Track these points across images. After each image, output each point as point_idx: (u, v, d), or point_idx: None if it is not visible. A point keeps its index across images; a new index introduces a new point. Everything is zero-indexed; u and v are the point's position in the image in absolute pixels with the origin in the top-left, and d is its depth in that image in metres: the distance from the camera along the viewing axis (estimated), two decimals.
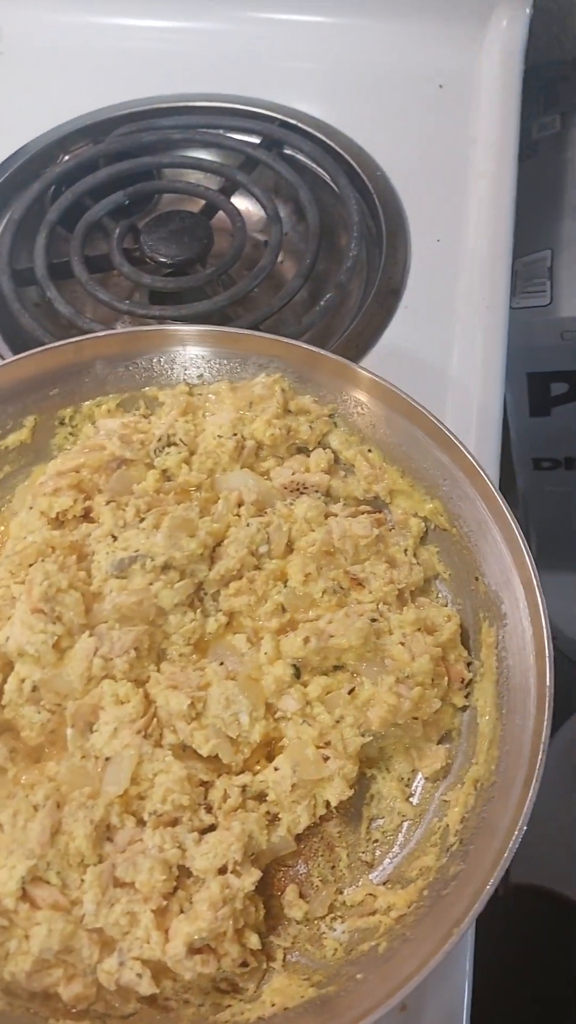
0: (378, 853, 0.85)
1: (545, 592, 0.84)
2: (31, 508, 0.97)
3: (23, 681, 0.87)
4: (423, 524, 0.97)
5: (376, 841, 0.86)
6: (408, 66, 1.51)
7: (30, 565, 0.90)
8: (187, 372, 1.05)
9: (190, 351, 1.04)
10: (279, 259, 1.30)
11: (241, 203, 1.36)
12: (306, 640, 0.87)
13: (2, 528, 1.02)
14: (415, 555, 0.97)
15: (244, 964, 0.77)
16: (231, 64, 1.51)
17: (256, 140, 1.41)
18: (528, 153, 1.57)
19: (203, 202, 1.35)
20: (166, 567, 0.90)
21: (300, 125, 1.42)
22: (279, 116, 1.43)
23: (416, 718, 0.87)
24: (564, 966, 1.44)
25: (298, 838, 0.84)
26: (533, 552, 0.86)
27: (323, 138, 1.40)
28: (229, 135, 1.41)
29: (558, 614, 1.92)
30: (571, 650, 1.95)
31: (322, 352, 0.99)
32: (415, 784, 0.88)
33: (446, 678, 0.88)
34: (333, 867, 0.84)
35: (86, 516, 0.98)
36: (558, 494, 1.76)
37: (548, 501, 1.77)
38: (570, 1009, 1.39)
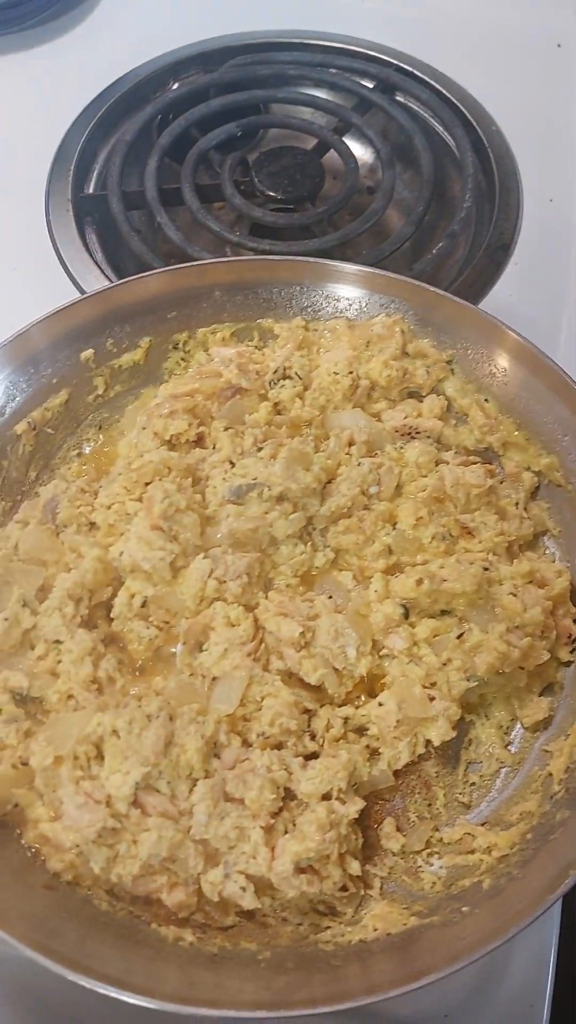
0: (475, 796, 0.85)
1: None
2: (144, 429, 0.96)
3: (133, 596, 0.88)
4: (535, 479, 0.97)
5: (473, 784, 0.86)
6: (527, 23, 1.48)
7: (147, 484, 0.90)
8: (305, 307, 1.04)
9: (311, 286, 1.03)
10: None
11: (352, 146, 1.33)
12: (419, 582, 0.87)
13: (110, 447, 1.01)
14: (526, 509, 0.96)
15: (344, 888, 0.77)
16: (349, 4, 1.48)
17: (371, 84, 1.39)
18: None
19: (315, 140, 1.33)
20: (281, 498, 0.90)
21: (417, 73, 1.39)
22: (395, 62, 1.40)
23: (522, 668, 0.87)
24: None
25: (396, 774, 0.85)
26: None
27: (439, 88, 1.38)
28: (344, 76, 1.38)
29: None
30: None
31: (450, 296, 0.98)
32: (514, 733, 0.88)
33: (555, 632, 0.88)
34: (430, 805, 0.85)
35: (198, 441, 0.98)
36: None
37: None
38: None
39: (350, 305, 1.03)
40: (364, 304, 1.03)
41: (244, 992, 0.69)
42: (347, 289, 1.03)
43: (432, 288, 0.98)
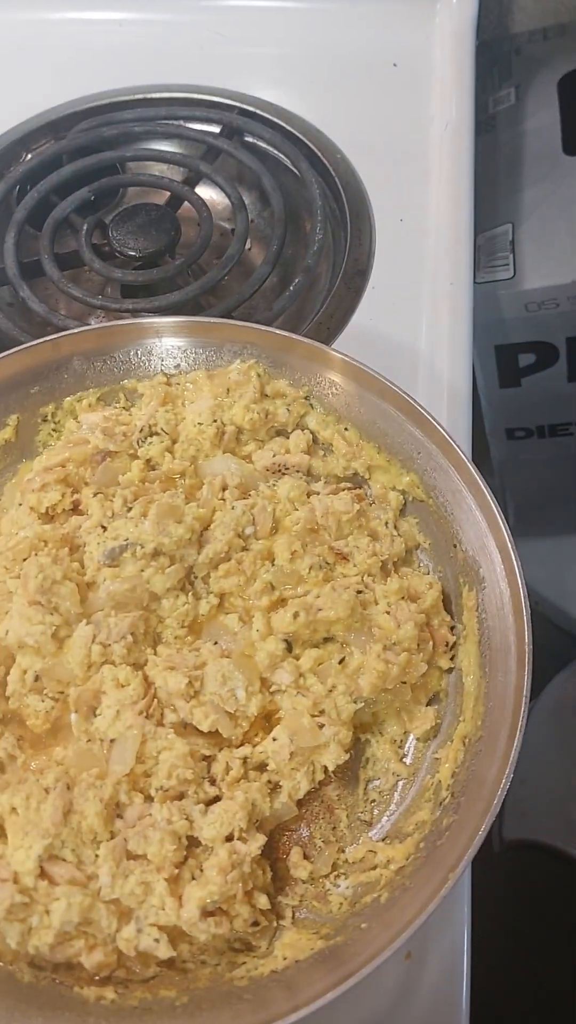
0: (376, 812, 0.89)
1: (527, 559, 0.88)
2: (20, 505, 0.99)
3: (25, 672, 0.90)
4: (401, 497, 1.01)
5: (373, 801, 0.90)
6: (361, 46, 1.53)
7: (24, 559, 0.93)
8: (164, 363, 1.07)
9: (166, 342, 1.06)
10: (247, 246, 1.32)
11: (205, 193, 1.38)
12: (296, 615, 0.91)
13: None
14: (396, 527, 1.00)
15: (255, 923, 0.81)
16: (186, 54, 1.52)
17: (216, 129, 1.43)
18: (485, 128, 1.60)
19: (168, 194, 1.37)
20: (156, 553, 0.93)
21: (259, 112, 1.44)
22: (237, 104, 1.44)
23: (405, 682, 0.91)
24: (562, 918, 1.50)
25: (299, 803, 0.88)
26: (511, 520, 0.90)
27: (282, 124, 1.42)
28: (189, 125, 1.43)
29: (540, 580, 1.97)
30: (553, 614, 2.00)
31: (294, 336, 1.02)
32: (407, 745, 0.93)
33: (431, 642, 0.92)
34: (334, 828, 0.89)
35: (75, 509, 1.00)
36: (533, 462, 1.80)
37: (524, 470, 1.82)
38: (570, 960, 1.45)
39: (209, 356, 1.07)
40: (221, 352, 1.06)
41: None
42: (201, 340, 1.07)
43: (277, 331, 1.02)
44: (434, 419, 0.95)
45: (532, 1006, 1.41)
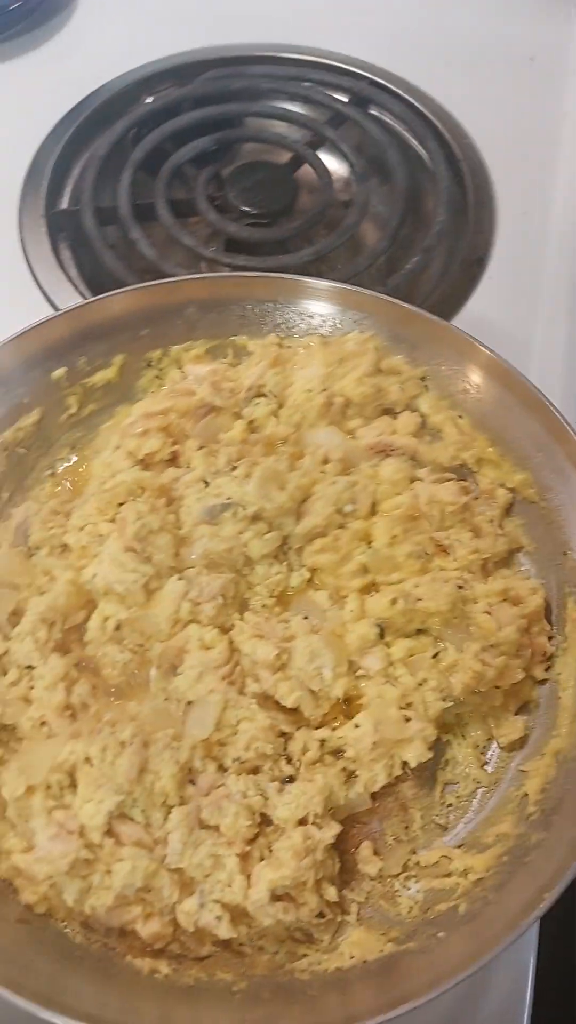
0: (452, 817, 0.85)
1: None
2: (118, 448, 0.96)
3: (107, 620, 0.87)
4: (510, 495, 0.97)
5: (450, 805, 0.86)
6: (501, 37, 1.49)
7: (120, 504, 0.89)
8: (279, 324, 1.03)
9: (285, 302, 1.02)
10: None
11: (325, 160, 1.33)
12: (394, 601, 0.87)
13: (84, 467, 1.00)
14: (500, 526, 0.96)
15: (321, 915, 0.77)
16: (323, 18, 1.48)
17: (345, 97, 1.38)
18: None
19: (289, 155, 1.32)
20: (256, 517, 0.89)
21: (390, 86, 1.39)
22: (370, 75, 1.40)
23: (497, 687, 0.87)
24: None
25: (373, 796, 0.84)
26: None
27: (413, 101, 1.38)
28: (318, 89, 1.38)
29: None
30: None
31: (423, 313, 0.98)
32: (490, 752, 0.88)
33: (529, 650, 0.88)
34: (407, 827, 0.84)
35: (172, 460, 0.97)
36: None
37: None
38: None
39: (324, 322, 1.03)
40: (338, 321, 1.02)
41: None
42: (321, 306, 1.02)
43: (405, 304, 0.98)
44: (564, 418, 0.90)
45: None
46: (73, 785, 0.77)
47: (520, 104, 1.41)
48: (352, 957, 0.74)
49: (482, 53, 1.47)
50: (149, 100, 1.39)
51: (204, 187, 1.26)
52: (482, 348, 0.94)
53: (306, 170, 1.31)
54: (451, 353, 0.98)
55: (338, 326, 1.02)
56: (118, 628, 0.87)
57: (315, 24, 1.47)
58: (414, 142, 1.36)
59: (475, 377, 0.97)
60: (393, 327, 1.01)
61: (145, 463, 0.95)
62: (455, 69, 1.44)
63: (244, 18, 1.47)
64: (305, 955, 0.76)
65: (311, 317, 1.03)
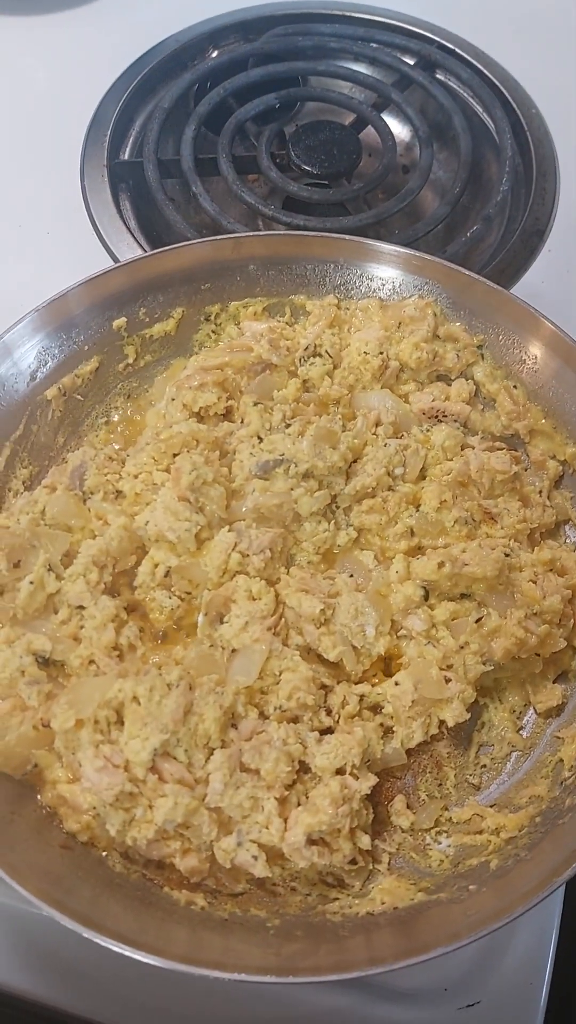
0: (485, 777, 0.87)
1: None
2: (173, 400, 0.97)
3: (157, 566, 0.89)
4: (560, 468, 0.97)
5: (484, 766, 0.87)
6: (572, 7, 1.46)
7: (175, 455, 0.91)
8: (338, 285, 1.03)
9: (346, 263, 1.02)
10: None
11: (389, 122, 1.32)
12: (440, 565, 0.87)
13: (138, 416, 1.02)
14: (548, 497, 0.96)
15: (353, 861, 0.79)
16: None
17: (412, 60, 1.37)
18: None
19: (353, 115, 1.31)
20: (307, 475, 0.91)
21: (458, 51, 1.38)
22: (437, 39, 1.38)
23: (538, 655, 0.88)
24: None
25: (409, 752, 0.86)
26: None
27: (481, 67, 1.36)
28: (385, 51, 1.37)
29: None
30: None
31: (484, 281, 0.98)
32: (526, 718, 0.89)
33: (572, 620, 0.89)
34: (440, 784, 0.86)
35: (226, 415, 0.98)
36: None
37: None
38: None
39: (383, 285, 1.03)
40: (398, 285, 1.02)
41: (251, 957, 0.71)
42: (382, 269, 1.02)
43: (467, 272, 0.98)
44: None
45: None
46: (120, 722, 0.80)
47: None
48: (383, 903, 0.76)
49: (552, 23, 1.45)
50: (215, 54, 1.38)
51: (267, 144, 1.25)
52: (545, 321, 0.94)
53: (369, 132, 1.30)
54: (510, 323, 0.98)
55: (398, 290, 1.02)
56: (167, 575, 0.88)
57: None
58: (480, 109, 1.34)
59: (534, 349, 0.97)
60: (453, 294, 1.01)
61: (200, 416, 0.97)
62: (524, 38, 1.42)
63: None
64: (336, 899, 0.78)
65: (371, 280, 1.03)
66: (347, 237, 1.01)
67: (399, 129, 1.35)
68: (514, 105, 1.33)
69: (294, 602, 0.87)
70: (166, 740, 0.78)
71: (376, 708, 0.86)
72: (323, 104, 1.36)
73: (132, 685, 0.79)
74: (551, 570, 0.90)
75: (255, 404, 0.95)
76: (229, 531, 0.88)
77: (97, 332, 0.99)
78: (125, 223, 1.19)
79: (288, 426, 0.93)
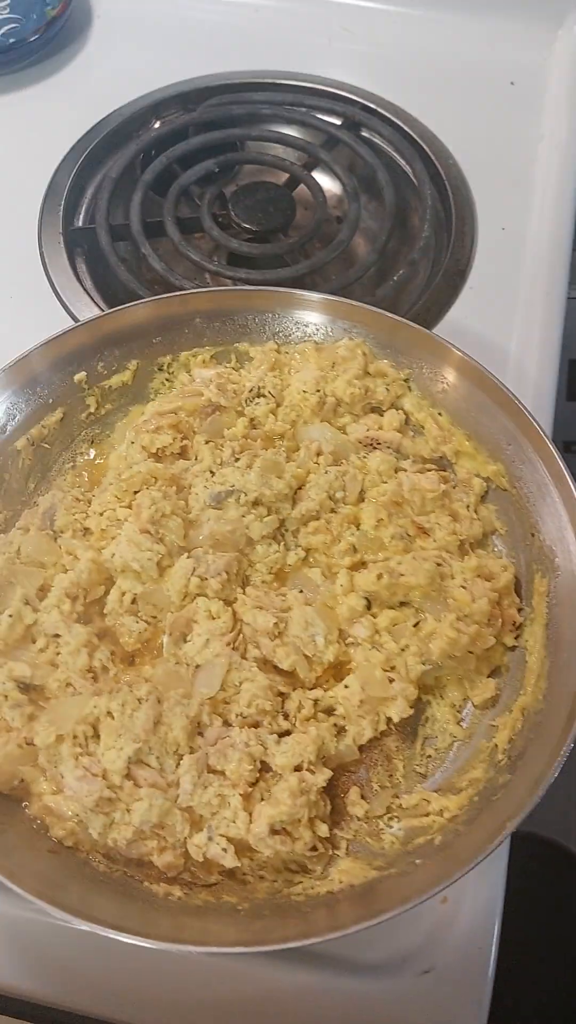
0: (431, 766, 0.96)
1: None
2: (132, 443, 1.07)
3: (124, 594, 0.98)
4: (484, 484, 1.07)
5: (429, 756, 0.97)
6: (483, 62, 1.60)
7: (136, 492, 1.01)
8: (277, 332, 1.14)
9: (282, 312, 1.13)
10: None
11: (319, 179, 1.44)
12: (379, 576, 0.97)
13: (101, 460, 1.12)
14: (476, 511, 1.07)
15: (314, 848, 0.87)
16: (315, 45, 1.60)
17: (338, 121, 1.50)
18: None
19: (286, 176, 1.44)
20: (256, 502, 1.01)
21: (379, 110, 1.51)
22: (361, 100, 1.52)
23: (471, 652, 0.97)
24: (564, 912, 1.54)
25: (361, 748, 0.95)
26: None
27: (400, 124, 1.49)
28: (313, 114, 1.50)
29: None
30: None
31: (406, 322, 1.09)
32: (465, 711, 0.99)
33: (500, 620, 0.99)
34: (391, 775, 0.95)
35: (182, 453, 1.08)
36: None
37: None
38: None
39: (317, 330, 1.14)
40: (329, 329, 1.13)
41: (227, 934, 0.79)
42: (314, 316, 1.14)
43: (390, 315, 1.09)
44: (530, 413, 1.01)
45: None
46: (96, 735, 0.89)
47: (500, 127, 1.51)
48: (341, 882, 0.85)
49: (465, 77, 1.58)
50: (157, 125, 1.51)
51: (209, 206, 1.37)
52: (455, 351, 1.05)
53: (302, 189, 1.43)
54: (430, 357, 1.09)
55: (330, 334, 1.13)
56: (134, 601, 0.98)
57: (310, 52, 1.59)
58: (402, 162, 1.47)
59: (450, 377, 1.08)
60: (379, 335, 1.12)
61: (157, 456, 1.07)
62: (439, 93, 1.55)
63: (245, 48, 1.58)
64: (300, 883, 0.87)
65: (306, 326, 1.14)
66: (282, 289, 1.13)
67: (329, 184, 1.48)
68: (432, 157, 1.46)
69: (250, 618, 0.96)
70: (139, 749, 0.87)
71: (329, 710, 0.96)
72: (259, 166, 1.48)
73: (106, 702, 0.89)
74: (479, 576, 1.00)
75: (207, 442, 1.06)
76: (188, 558, 0.98)
77: (60, 386, 1.10)
78: (82, 284, 1.30)
79: (237, 460, 1.03)
